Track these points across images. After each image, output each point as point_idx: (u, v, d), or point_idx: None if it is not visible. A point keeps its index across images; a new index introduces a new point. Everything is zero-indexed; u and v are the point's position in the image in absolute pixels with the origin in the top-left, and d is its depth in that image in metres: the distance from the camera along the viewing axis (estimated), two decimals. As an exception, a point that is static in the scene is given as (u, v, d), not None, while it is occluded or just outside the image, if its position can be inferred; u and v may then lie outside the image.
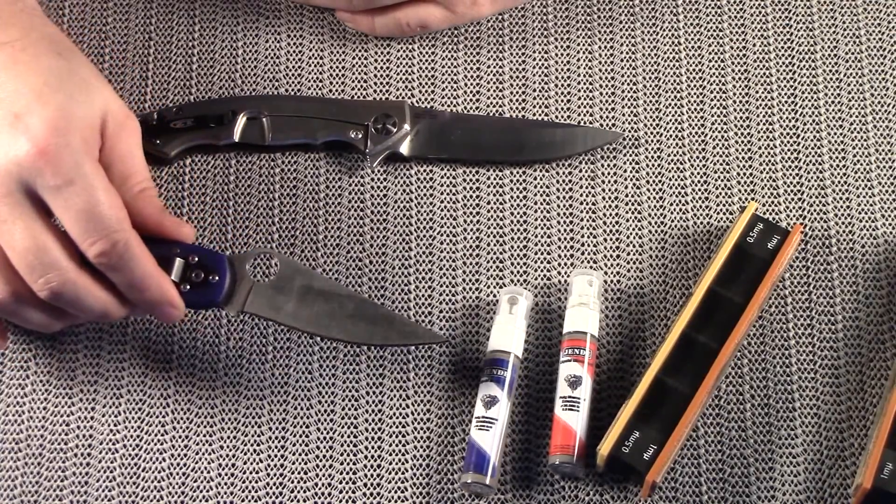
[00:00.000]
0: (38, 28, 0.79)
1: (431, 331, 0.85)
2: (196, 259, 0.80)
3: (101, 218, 0.75)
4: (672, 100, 0.91)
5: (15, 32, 0.78)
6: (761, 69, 0.92)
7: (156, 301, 0.79)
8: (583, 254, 0.88)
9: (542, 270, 0.87)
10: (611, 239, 0.88)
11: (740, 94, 0.92)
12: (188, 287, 0.80)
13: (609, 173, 0.90)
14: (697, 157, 0.90)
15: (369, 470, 0.83)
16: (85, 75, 0.78)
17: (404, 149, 0.89)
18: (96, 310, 0.78)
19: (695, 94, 0.92)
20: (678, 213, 0.89)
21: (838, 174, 0.90)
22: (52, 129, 0.75)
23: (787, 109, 0.91)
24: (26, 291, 0.77)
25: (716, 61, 0.92)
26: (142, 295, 0.78)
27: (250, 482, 0.82)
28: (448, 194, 0.89)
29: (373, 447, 0.83)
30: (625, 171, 0.90)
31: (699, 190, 0.89)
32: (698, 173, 0.90)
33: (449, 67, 0.92)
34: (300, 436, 0.83)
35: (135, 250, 0.77)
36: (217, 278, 0.81)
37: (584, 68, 0.92)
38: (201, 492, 0.82)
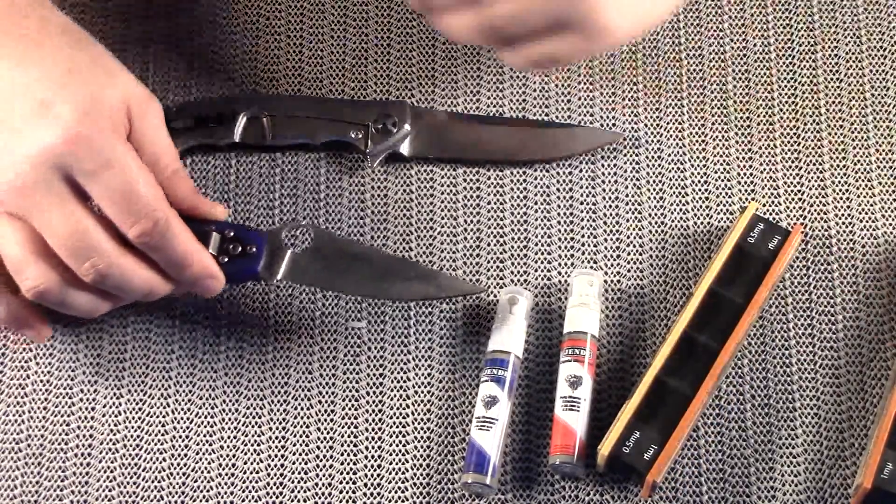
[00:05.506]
0: (52, 19, 0.79)
1: (471, 283, 0.86)
2: (231, 234, 0.82)
3: (140, 198, 0.76)
4: (672, 100, 0.91)
5: (31, 24, 0.78)
6: (762, 69, 0.92)
7: (198, 275, 0.79)
8: (583, 254, 0.88)
9: (542, 270, 0.87)
10: (611, 239, 0.88)
11: (741, 93, 0.92)
12: (226, 260, 0.81)
13: (609, 173, 0.90)
14: (698, 157, 0.90)
15: (369, 470, 0.83)
16: (105, 62, 0.79)
17: (405, 149, 0.89)
18: (142, 289, 0.79)
19: (695, 93, 0.92)
20: (678, 213, 0.89)
21: (839, 174, 0.89)
22: (82, 114, 0.75)
23: (787, 109, 0.91)
24: (71, 277, 0.77)
25: (716, 61, 0.92)
26: (184, 271, 0.79)
27: (250, 482, 0.82)
28: (448, 194, 0.89)
29: (373, 447, 0.83)
30: (625, 171, 0.90)
31: (699, 190, 0.89)
32: (699, 173, 0.90)
33: (449, 67, 0.92)
34: (300, 436, 0.83)
35: (175, 228, 0.77)
36: (254, 250, 0.82)
37: (585, 68, 0.92)
38: (201, 492, 0.82)
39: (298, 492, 0.82)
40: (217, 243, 0.81)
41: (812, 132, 0.90)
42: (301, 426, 0.84)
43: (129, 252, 0.78)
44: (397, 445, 0.83)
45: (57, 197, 0.75)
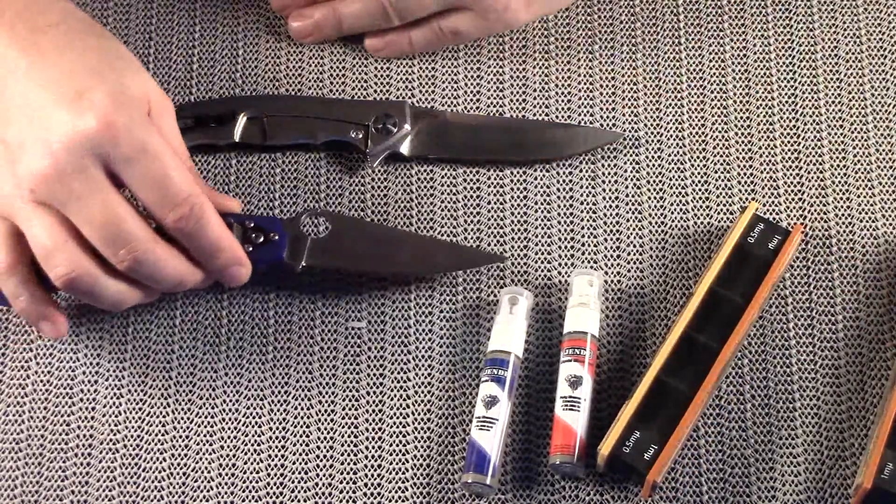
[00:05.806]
0: (74, 13, 0.80)
1: (491, 253, 0.87)
2: (252, 224, 0.83)
3: (175, 184, 0.76)
4: (672, 100, 0.91)
5: (55, 17, 0.78)
6: (762, 69, 0.92)
7: (228, 263, 0.80)
8: (583, 254, 0.88)
9: (542, 270, 0.87)
10: (611, 239, 0.88)
11: (741, 93, 0.92)
12: (250, 249, 0.82)
13: (609, 173, 0.90)
14: (698, 157, 0.90)
15: (370, 470, 0.83)
16: (128, 57, 0.80)
17: (405, 149, 0.89)
18: (173, 278, 0.79)
19: (695, 93, 0.92)
20: (679, 213, 0.89)
21: (839, 174, 0.89)
22: (116, 103, 0.75)
23: (787, 109, 0.91)
24: (103, 265, 0.77)
25: (716, 61, 0.92)
26: (215, 258, 0.79)
27: (250, 482, 0.82)
28: (448, 194, 0.89)
29: (373, 447, 0.83)
30: (625, 171, 0.90)
31: (700, 190, 0.89)
32: (699, 173, 0.90)
33: (449, 67, 0.92)
34: (300, 436, 0.83)
35: (209, 215, 0.78)
36: (277, 237, 0.83)
37: (585, 68, 0.92)
38: (201, 492, 0.82)
39: (298, 492, 0.82)
40: (240, 233, 0.82)
41: (812, 132, 0.91)
42: (301, 426, 0.84)
43: (161, 241, 0.78)
44: (397, 445, 0.83)
45: (93, 184, 0.75)
